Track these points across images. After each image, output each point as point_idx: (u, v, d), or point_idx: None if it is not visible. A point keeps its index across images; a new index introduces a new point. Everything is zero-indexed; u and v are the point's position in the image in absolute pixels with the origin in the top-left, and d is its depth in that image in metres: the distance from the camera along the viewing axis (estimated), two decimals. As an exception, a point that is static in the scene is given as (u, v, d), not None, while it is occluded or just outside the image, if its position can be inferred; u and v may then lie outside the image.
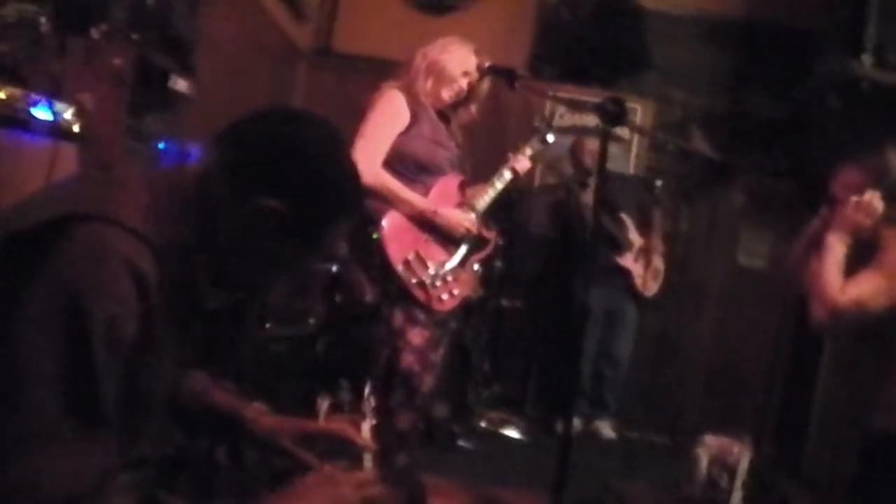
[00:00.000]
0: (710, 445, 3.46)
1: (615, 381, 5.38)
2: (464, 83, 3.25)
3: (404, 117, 3.15)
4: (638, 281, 5.32)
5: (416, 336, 3.12)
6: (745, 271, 5.88)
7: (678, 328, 5.94)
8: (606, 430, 5.29)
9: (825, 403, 4.87)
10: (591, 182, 5.23)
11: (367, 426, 1.81)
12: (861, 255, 2.49)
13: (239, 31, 4.90)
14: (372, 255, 3.10)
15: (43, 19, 2.93)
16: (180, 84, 3.59)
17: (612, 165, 5.40)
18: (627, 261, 5.30)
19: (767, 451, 4.99)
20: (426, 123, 3.19)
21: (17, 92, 2.72)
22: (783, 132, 5.65)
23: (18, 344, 1.21)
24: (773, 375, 5.26)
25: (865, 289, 2.39)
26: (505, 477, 4.08)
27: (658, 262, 5.40)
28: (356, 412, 1.86)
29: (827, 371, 4.85)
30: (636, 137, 5.97)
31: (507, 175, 3.35)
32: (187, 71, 3.70)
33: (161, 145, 3.54)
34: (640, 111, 5.96)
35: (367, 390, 1.93)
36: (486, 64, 3.24)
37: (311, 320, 3.64)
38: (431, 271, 3.13)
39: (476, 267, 3.32)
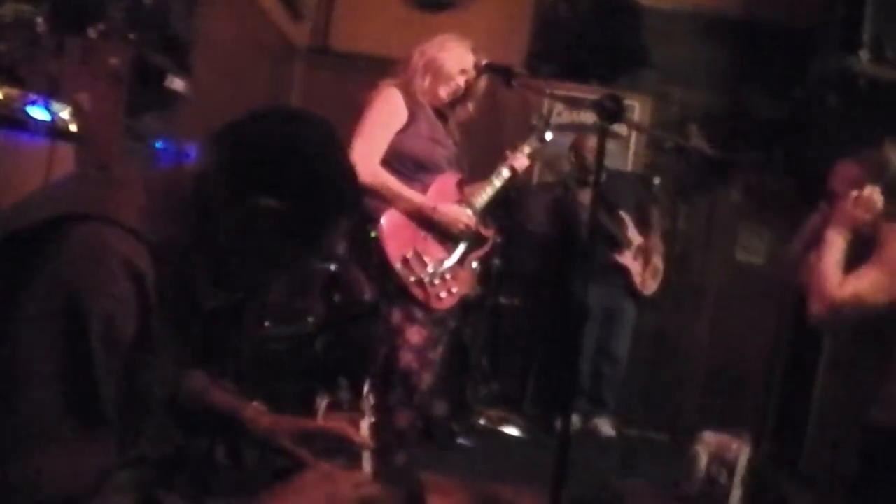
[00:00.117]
0: (708, 443, 3.46)
1: (614, 378, 5.38)
2: (461, 81, 3.25)
3: (402, 115, 3.15)
4: (637, 279, 5.32)
5: (415, 334, 3.13)
6: (743, 268, 5.88)
7: (677, 325, 5.93)
8: (605, 427, 5.28)
9: (824, 400, 4.87)
10: (592, 179, 5.22)
11: (365, 424, 1.82)
12: (860, 251, 2.49)
13: (236, 30, 4.90)
14: (370, 253, 3.10)
15: (40, 19, 2.93)
16: (177, 83, 3.59)
17: (610, 162, 5.42)
18: (626, 259, 5.29)
19: (766, 449, 4.99)
20: (424, 121, 3.19)
21: (15, 92, 2.72)
22: (781, 129, 5.65)
23: (17, 344, 1.21)
24: (771, 372, 5.26)
25: (865, 284, 2.39)
26: (504, 475, 4.08)
27: (657, 261, 5.40)
28: (355, 410, 1.86)
29: (826, 368, 4.85)
30: (634, 134, 5.96)
31: (506, 173, 3.35)
32: (184, 70, 3.70)
33: (158, 145, 3.54)
34: (637, 108, 5.96)
35: (365, 389, 1.94)
36: (484, 62, 3.24)
37: (310, 319, 3.64)
38: (430, 269, 3.13)
39: (474, 265, 3.32)
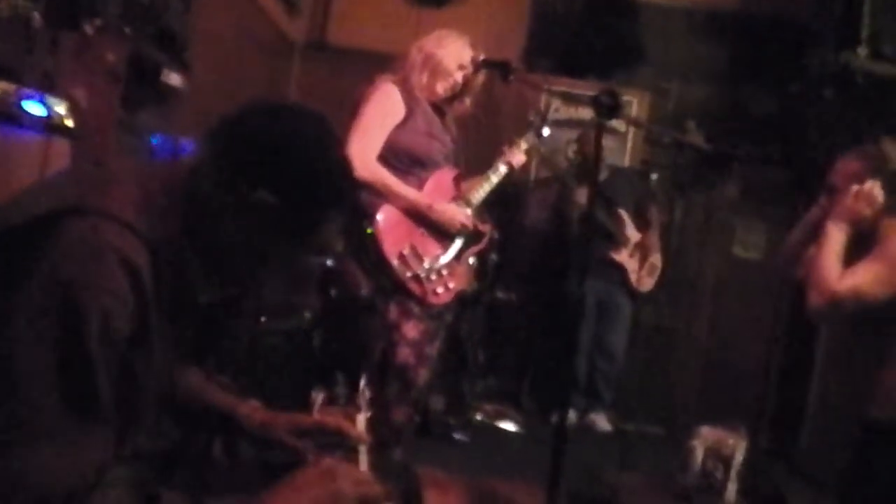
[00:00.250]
0: (705, 437, 3.46)
1: (610, 373, 5.39)
2: (459, 77, 3.25)
3: (399, 111, 3.15)
4: (633, 276, 5.32)
5: (411, 329, 3.13)
6: (740, 263, 5.88)
7: (673, 320, 5.94)
8: (602, 422, 5.29)
9: (820, 394, 4.88)
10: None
11: (361, 418, 1.82)
12: (860, 245, 2.49)
13: (232, 25, 4.89)
14: (367, 248, 3.11)
15: (36, 14, 2.92)
16: (173, 78, 3.58)
17: (607, 158, 5.42)
18: (622, 256, 5.29)
19: (763, 443, 5.01)
20: (421, 117, 3.19)
21: (10, 87, 2.71)
22: (778, 125, 5.65)
23: (14, 339, 1.21)
24: (768, 367, 5.27)
25: (864, 278, 2.40)
26: (500, 469, 4.08)
27: (654, 259, 5.40)
28: (351, 405, 1.86)
29: (822, 362, 4.87)
30: (631, 130, 5.96)
31: (503, 169, 3.35)
32: (180, 65, 3.69)
33: (154, 140, 3.53)
34: (635, 104, 5.96)
35: (362, 383, 1.94)
36: (481, 57, 3.24)
37: (307, 314, 3.64)
38: (426, 265, 3.13)
39: (471, 260, 3.32)
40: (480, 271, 4.66)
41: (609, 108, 2.45)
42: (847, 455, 2.62)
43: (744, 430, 3.59)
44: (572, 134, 5.71)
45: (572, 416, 5.05)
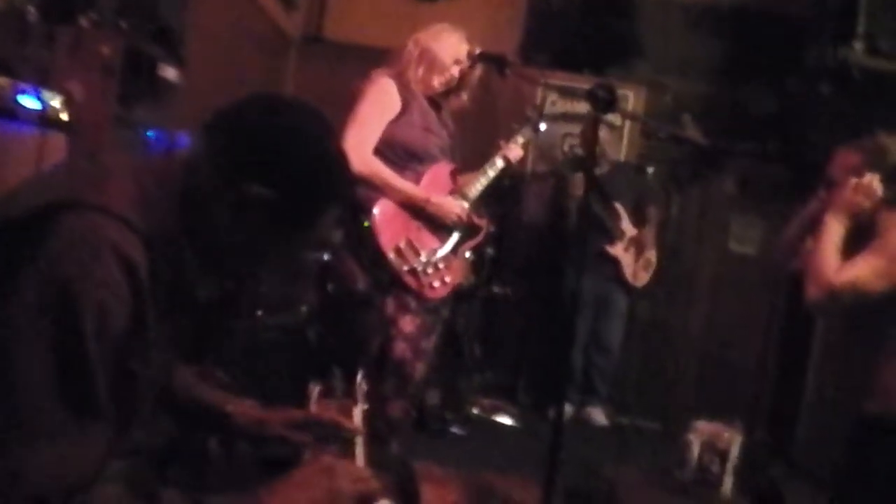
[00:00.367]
0: (701, 431, 3.47)
1: (606, 368, 5.40)
2: (455, 71, 3.24)
3: (395, 105, 3.15)
4: (627, 271, 5.33)
5: (408, 323, 3.13)
6: (736, 257, 5.89)
7: (669, 314, 5.95)
8: (598, 416, 5.30)
9: (817, 389, 4.89)
10: (596, 168, 5.24)
11: (358, 411, 1.81)
12: (858, 238, 2.49)
13: (228, 19, 4.88)
14: (363, 242, 3.11)
15: (31, 8, 2.91)
16: (169, 72, 3.58)
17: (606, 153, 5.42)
18: (617, 250, 5.30)
19: (759, 437, 5.02)
20: (417, 111, 3.19)
21: (5, 81, 2.71)
22: (775, 120, 5.65)
23: (10, 335, 1.21)
24: (764, 361, 5.28)
25: (864, 271, 2.39)
26: (497, 464, 4.09)
27: (650, 255, 5.40)
28: (348, 399, 1.86)
29: (818, 357, 4.88)
30: (627, 124, 5.96)
31: (500, 163, 3.35)
32: (176, 60, 3.68)
33: (150, 134, 3.52)
34: (631, 98, 5.96)
35: (358, 377, 1.94)
36: (477, 51, 3.24)
37: (303, 309, 3.64)
38: (423, 259, 3.13)
39: (467, 254, 3.32)
40: (477, 265, 4.66)
41: (605, 102, 2.45)
42: (843, 450, 2.62)
43: (740, 425, 3.60)
44: (569, 128, 5.72)
45: (569, 410, 5.06)
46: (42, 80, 2.85)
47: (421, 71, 3.21)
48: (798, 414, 5.00)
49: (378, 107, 3.14)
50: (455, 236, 3.25)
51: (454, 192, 3.27)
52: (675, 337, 5.94)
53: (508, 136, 3.43)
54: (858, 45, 4.67)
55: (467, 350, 5.04)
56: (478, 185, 3.32)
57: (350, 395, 1.88)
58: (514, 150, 3.39)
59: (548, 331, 5.61)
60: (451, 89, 3.31)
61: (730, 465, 3.38)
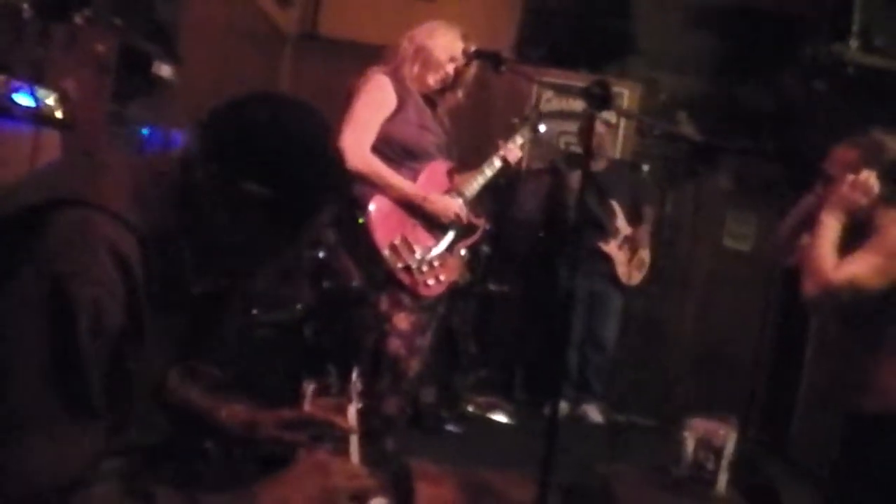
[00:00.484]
0: (696, 428, 3.46)
1: (601, 365, 5.40)
2: (450, 69, 3.24)
3: (391, 102, 3.15)
4: (620, 269, 5.33)
5: (403, 321, 3.13)
6: (730, 254, 5.90)
7: (664, 312, 5.96)
8: (593, 413, 5.30)
9: (811, 385, 4.90)
10: (593, 164, 5.24)
11: (352, 410, 1.81)
12: (854, 235, 2.49)
13: (223, 16, 4.86)
14: (359, 239, 3.11)
15: (25, 5, 2.90)
16: (164, 70, 3.57)
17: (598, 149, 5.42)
18: (611, 247, 5.30)
19: (754, 433, 5.03)
20: (413, 108, 3.18)
21: (0, 78, 2.70)
22: (769, 116, 5.66)
23: (4, 331, 1.21)
24: (759, 357, 5.29)
25: (861, 268, 2.39)
26: (492, 461, 4.09)
27: (644, 254, 5.41)
28: (343, 396, 1.86)
29: (813, 353, 4.88)
30: (623, 121, 5.96)
31: (498, 163, 3.35)
32: (171, 57, 3.68)
33: (145, 131, 3.52)
34: (626, 95, 5.96)
35: (353, 375, 1.94)
36: (473, 48, 3.24)
37: (298, 306, 3.63)
38: (418, 256, 3.13)
39: (463, 252, 3.32)
40: (472, 263, 4.67)
41: (600, 99, 2.45)
42: (838, 446, 2.63)
43: (735, 421, 3.60)
44: (565, 125, 5.72)
45: (564, 407, 5.06)
46: (37, 78, 2.84)
47: (416, 68, 3.21)
48: (793, 410, 5.01)
49: (374, 104, 3.14)
50: (451, 234, 3.25)
51: (451, 191, 3.27)
52: (670, 334, 5.95)
53: (507, 136, 3.42)
54: (853, 42, 4.67)
55: (463, 347, 5.04)
56: (475, 184, 3.32)
57: (345, 392, 1.87)
58: (513, 151, 3.38)
59: (543, 328, 5.61)
60: (447, 87, 3.31)
61: (724, 462, 3.38)
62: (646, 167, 5.70)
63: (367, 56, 3.34)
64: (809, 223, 2.64)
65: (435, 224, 3.22)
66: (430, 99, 3.29)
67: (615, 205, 5.33)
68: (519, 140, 3.41)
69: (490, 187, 3.42)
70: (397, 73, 3.19)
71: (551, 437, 2.41)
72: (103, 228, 1.27)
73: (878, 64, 4.66)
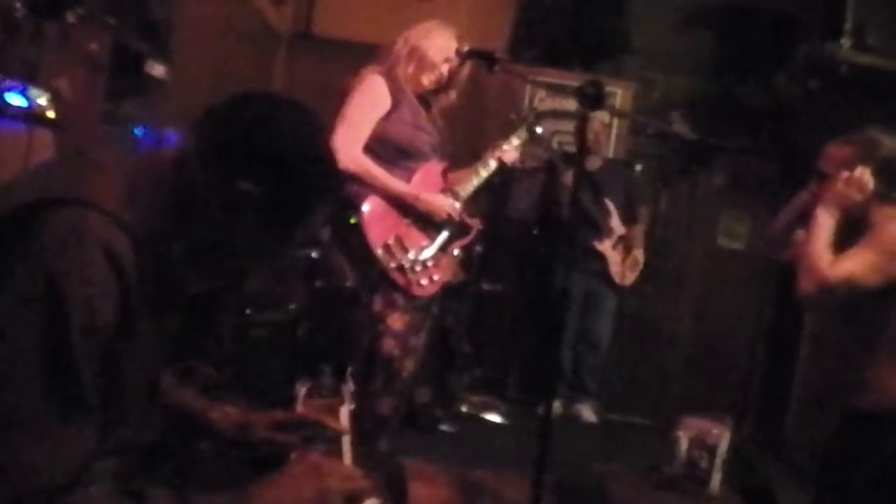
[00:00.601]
0: (689, 427, 3.48)
1: (595, 364, 5.40)
2: (445, 69, 3.24)
3: (385, 102, 3.15)
4: (614, 269, 5.33)
5: (397, 321, 3.13)
6: (724, 254, 5.91)
7: (658, 311, 5.96)
8: (587, 413, 5.31)
9: (805, 383, 4.91)
10: (588, 162, 5.25)
11: (345, 411, 1.81)
12: (849, 231, 2.50)
13: (217, 15, 4.85)
14: (352, 239, 3.10)
15: (18, 4, 2.89)
16: (157, 69, 3.56)
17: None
18: (605, 247, 5.30)
19: (748, 432, 5.04)
20: (407, 108, 3.18)
21: (-8, 77, 2.69)
22: (763, 115, 5.67)
23: (-3, 329, 1.21)
24: (753, 356, 5.30)
25: (857, 265, 2.40)
26: (487, 460, 4.09)
27: (638, 254, 5.41)
28: (335, 397, 1.85)
29: (807, 352, 4.89)
30: (616, 121, 5.97)
31: (493, 164, 3.35)
32: (164, 56, 3.67)
33: (138, 130, 3.51)
34: (620, 94, 5.96)
35: (347, 375, 1.93)
36: (466, 48, 3.23)
37: (292, 306, 3.63)
38: (411, 256, 3.13)
39: (456, 252, 3.32)
40: (466, 262, 4.66)
41: (593, 98, 2.45)
42: (832, 444, 2.63)
43: (729, 420, 3.61)
44: (558, 125, 5.72)
45: (558, 407, 5.06)
46: (29, 77, 2.83)
47: (411, 69, 3.20)
48: (787, 408, 5.02)
49: (368, 104, 3.14)
50: (444, 234, 3.25)
51: (445, 191, 3.27)
52: (664, 332, 5.96)
53: (503, 135, 3.42)
54: (846, 41, 4.68)
55: (457, 347, 5.04)
56: (469, 184, 3.32)
57: (338, 392, 1.87)
58: (509, 154, 3.38)
59: (537, 327, 5.62)
60: (441, 87, 3.30)
61: (718, 461, 3.39)
62: (639, 167, 5.70)
63: (361, 56, 3.34)
64: (804, 218, 2.64)
65: (428, 224, 3.21)
66: (425, 99, 3.29)
67: (610, 204, 5.33)
68: (515, 141, 3.41)
69: (484, 186, 3.42)
70: (391, 74, 3.19)
71: (545, 436, 2.41)
72: (97, 228, 1.26)
73: (871, 63, 4.67)
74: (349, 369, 1.97)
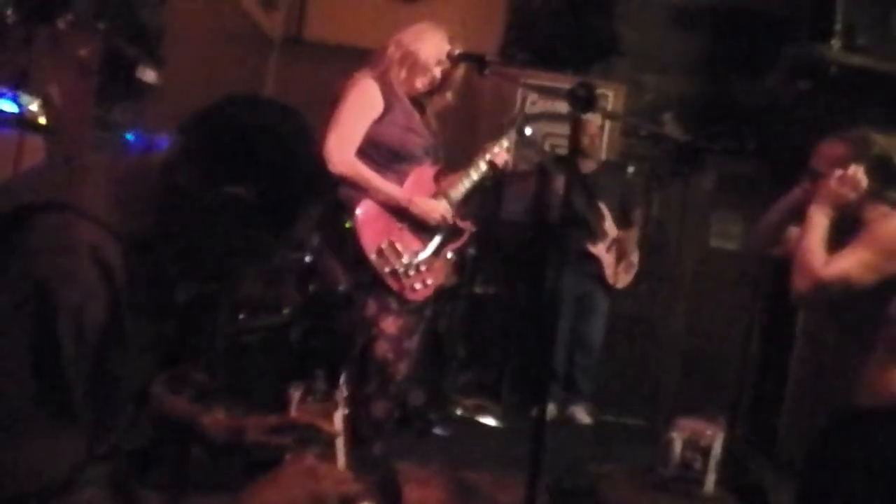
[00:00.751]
0: (683, 428, 3.48)
1: (589, 366, 5.41)
2: (437, 72, 3.24)
3: (378, 106, 3.15)
4: (608, 271, 5.33)
5: (390, 325, 3.13)
6: (717, 253, 5.92)
7: (652, 312, 5.97)
8: (581, 414, 5.31)
9: (799, 383, 4.91)
10: (583, 165, 5.26)
11: (339, 415, 1.81)
12: (842, 230, 2.50)
13: (208, 19, 4.85)
14: (345, 243, 3.10)
15: (9, 10, 2.89)
16: (148, 74, 3.56)
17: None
18: (599, 250, 5.31)
19: (742, 433, 5.04)
20: (400, 112, 3.18)
21: (-18, 84, 2.69)
22: (754, 116, 5.68)
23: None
24: (746, 357, 5.30)
25: (851, 264, 2.40)
26: (481, 463, 4.09)
27: (633, 257, 5.42)
28: (329, 401, 1.86)
29: (800, 351, 4.90)
30: (608, 123, 5.97)
31: (483, 166, 3.35)
32: (155, 61, 3.66)
33: (129, 136, 3.51)
34: (611, 96, 5.97)
35: (340, 380, 1.93)
36: (457, 51, 3.23)
37: (285, 310, 3.63)
38: (405, 260, 3.13)
39: (449, 255, 3.32)
40: (459, 265, 4.66)
41: (584, 101, 2.45)
42: (825, 444, 2.63)
43: (723, 421, 3.62)
44: (550, 128, 5.73)
45: (552, 409, 5.06)
46: (20, 83, 2.83)
47: (403, 73, 3.20)
48: (780, 408, 5.03)
49: (361, 108, 3.14)
50: (438, 238, 3.25)
51: (438, 195, 3.27)
52: (658, 334, 5.96)
53: (493, 139, 3.42)
54: (835, 42, 4.69)
55: (450, 350, 5.04)
56: (461, 187, 3.32)
57: (331, 396, 1.87)
58: (500, 155, 3.38)
59: (530, 330, 5.62)
60: (435, 89, 3.30)
61: (712, 462, 3.39)
62: (631, 168, 5.71)
63: (353, 60, 3.34)
64: (795, 215, 2.64)
65: (422, 228, 3.21)
66: (418, 102, 3.29)
67: (603, 207, 5.34)
68: (505, 143, 3.41)
69: (477, 189, 3.42)
70: (384, 78, 3.19)
71: (539, 438, 2.40)
72: (85, 232, 1.26)
73: (860, 63, 4.68)
74: (343, 373, 1.97)
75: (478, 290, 5.40)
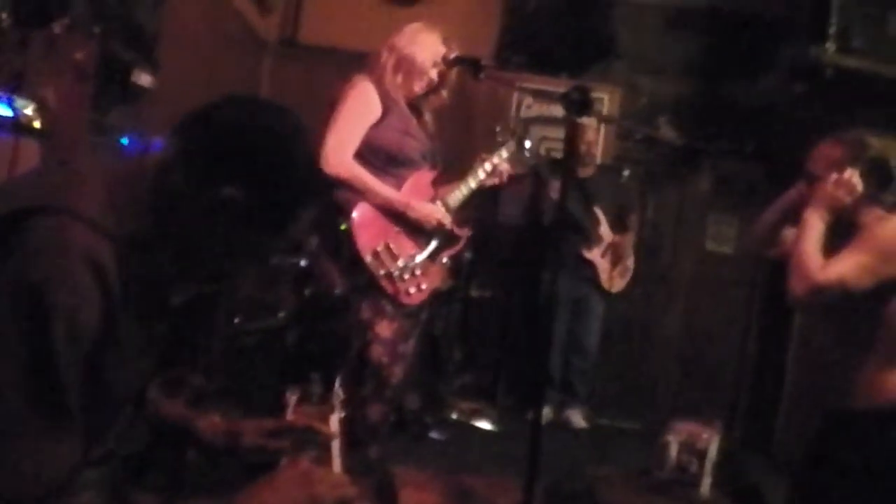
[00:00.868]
0: (679, 431, 3.48)
1: (584, 369, 5.40)
2: (434, 74, 3.24)
3: (376, 109, 3.15)
4: (603, 276, 5.33)
5: (385, 328, 3.13)
6: (713, 257, 5.92)
7: (648, 315, 5.97)
8: (577, 418, 5.30)
9: (795, 385, 4.92)
10: (581, 170, 5.26)
11: (335, 419, 1.81)
12: (838, 233, 2.50)
13: (203, 23, 4.85)
14: (341, 245, 3.10)
15: (3, 14, 2.88)
16: (144, 78, 3.55)
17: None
18: (594, 255, 5.30)
19: (738, 436, 5.04)
20: (397, 115, 3.18)
21: (-23, 88, 2.68)
22: (749, 119, 5.69)
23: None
24: (742, 360, 5.31)
25: (847, 267, 2.40)
26: (477, 466, 4.09)
27: (628, 262, 5.42)
28: (325, 404, 1.85)
29: (796, 354, 4.91)
30: (603, 126, 5.97)
31: (482, 175, 3.34)
32: (151, 64, 3.66)
33: (125, 140, 3.50)
34: (607, 99, 5.97)
35: (336, 383, 1.93)
36: (453, 55, 3.24)
37: (281, 314, 3.63)
38: (400, 264, 3.13)
39: (445, 260, 3.32)
40: (455, 268, 4.66)
41: (580, 104, 2.45)
42: (821, 447, 2.63)
43: (719, 424, 3.62)
44: (545, 131, 5.73)
45: (548, 412, 5.06)
46: (15, 87, 2.82)
47: (400, 78, 3.20)
48: (777, 411, 5.03)
49: (359, 111, 3.14)
50: (434, 243, 3.25)
51: (435, 200, 3.27)
52: (653, 337, 5.97)
53: (490, 149, 3.41)
54: (831, 45, 4.70)
55: (446, 353, 5.04)
56: (459, 194, 3.32)
57: (327, 400, 1.87)
58: (500, 166, 3.38)
59: (526, 333, 5.61)
60: (431, 89, 3.30)
61: (708, 465, 3.39)
62: (627, 171, 5.71)
63: (348, 63, 3.34)
64: (791, 216, 2.65)
65: (418, 232, 3.21)
66: (415, 106, 3.29)
67: (599, 212, 5.33)
68: (504, 154, 3.41)
69: (475, 196, 3.42)
70: (381, 81, 3.18)
71: (535, 442, 2.41)
72: (78, 236, 1.26)
73: (856, 66, 4.69)
74: (339, 377, 1.97)
75: (473, 293, 5.40)
